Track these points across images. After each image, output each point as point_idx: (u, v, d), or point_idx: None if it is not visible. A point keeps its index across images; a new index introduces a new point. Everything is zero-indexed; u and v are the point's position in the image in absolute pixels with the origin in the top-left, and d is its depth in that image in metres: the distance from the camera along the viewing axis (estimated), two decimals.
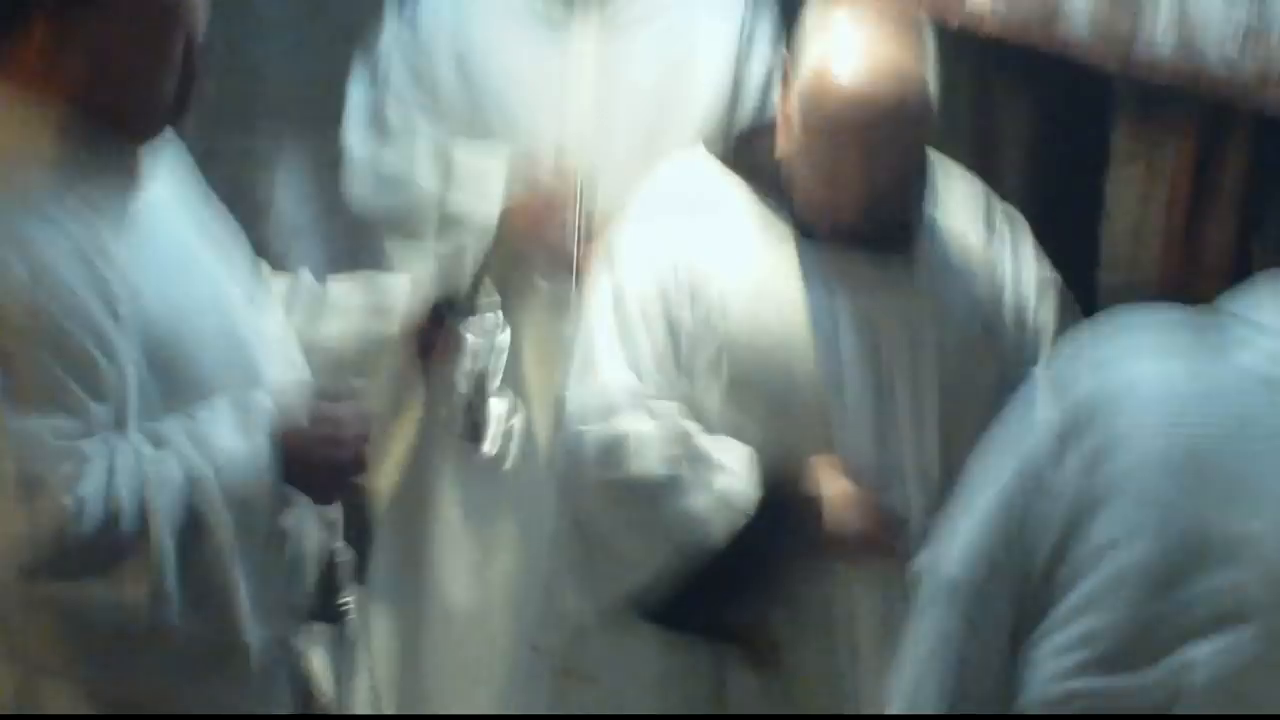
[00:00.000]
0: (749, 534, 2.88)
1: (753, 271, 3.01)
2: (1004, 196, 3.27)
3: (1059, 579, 2.07)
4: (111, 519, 2.18)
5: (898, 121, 2.88)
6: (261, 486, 2.31)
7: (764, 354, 2.99)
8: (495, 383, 2.84)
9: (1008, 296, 3.11)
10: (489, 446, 2.97)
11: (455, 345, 2.87)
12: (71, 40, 2.28)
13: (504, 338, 2.84)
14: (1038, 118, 3.68)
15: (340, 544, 2.53)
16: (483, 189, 3.55)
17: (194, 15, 2.36)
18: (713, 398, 3.00)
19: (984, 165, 3.46)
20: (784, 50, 3.09)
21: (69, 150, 2.29)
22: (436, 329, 2.86)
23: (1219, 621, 1.95)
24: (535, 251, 3.56)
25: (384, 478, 2.99)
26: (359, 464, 2.44)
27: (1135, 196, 3.41)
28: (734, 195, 3.07)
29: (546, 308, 3.55)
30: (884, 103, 2.86)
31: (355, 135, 3.70)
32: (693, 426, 2.90)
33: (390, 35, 3.72)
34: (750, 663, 2.99)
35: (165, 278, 2.35)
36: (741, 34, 3.69)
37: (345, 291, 2.84)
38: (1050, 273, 3.11)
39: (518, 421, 2.85)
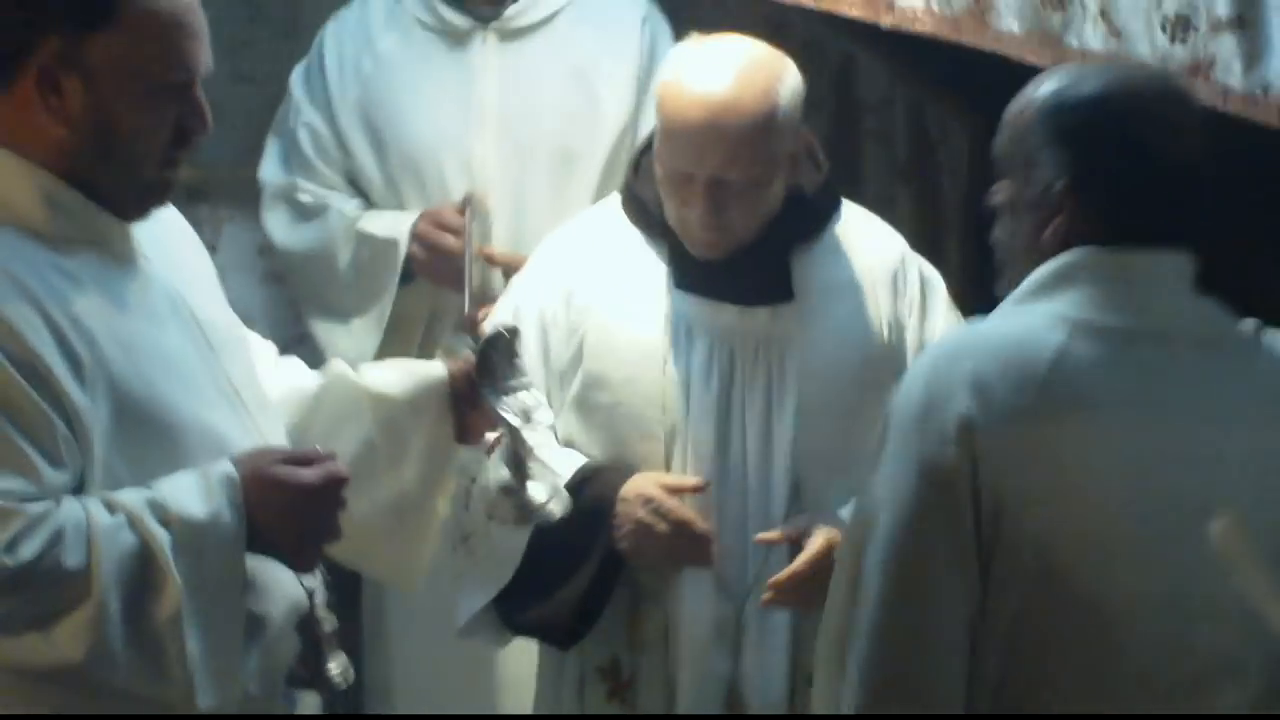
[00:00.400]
0: (552, 537, 2.92)
1: (623, 316, 3.07)
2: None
3: None
4: (52, 579, 2.18)
5: (739, 143, 2.91)
6: (221, 552, 2.28)
7: (615, 389, 3.05)
8: (535, 464, 2.74)
9: (905, 358, 3.10)
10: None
11: (492, 427, 2.77)
12: (64, 106, 2.29)
13: (544, 414, 2.77)
14: (975, 136, 3.71)
15: (322, 611, 2.50)
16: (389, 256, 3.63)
17: (191, 101, 2.36)
18: (565, 418, 3.07)
19: (922, 180, 3.45)
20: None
21: (50, 214, 2.30)
22: (472, 410, 2.77)
23: None
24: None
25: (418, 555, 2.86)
26: (333, 530, 2.40)
27: None
28: (626, 244, 3.13)
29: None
30: (726, 122, 2.90)
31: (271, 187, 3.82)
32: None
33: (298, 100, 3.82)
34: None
35: (140, 349, 2.34)
36: (642, 49, 3.76)
37: (381, 377, 2.79)
38: None
39: (557, 505, 2.73)
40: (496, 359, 2.67)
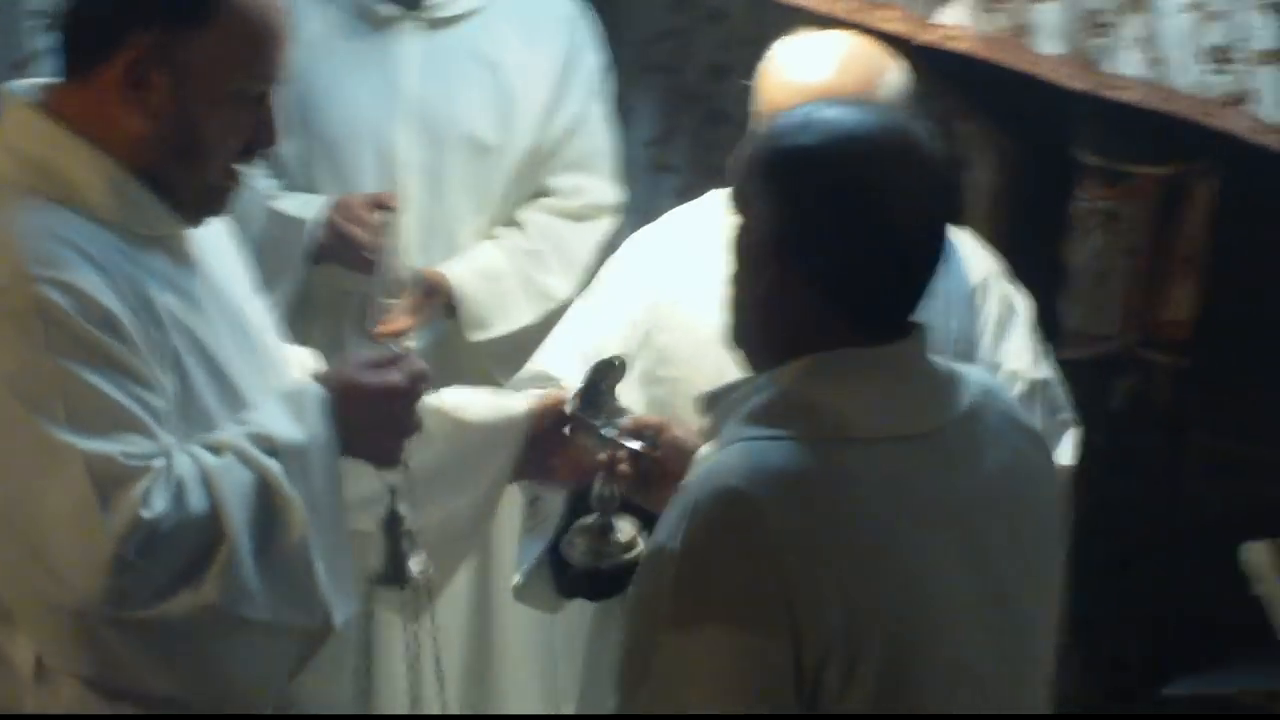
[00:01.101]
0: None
1: (695, 295, 3.01)
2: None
3: None
4: (187, 528, 2.19)
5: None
6: (324, 470, 2.32)
7: (680, 365, 3.03)
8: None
9: None
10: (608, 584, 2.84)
11: (587, 464, 2.71)
12: (148, 100, 2.28)
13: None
14: (1003, 176, 3.69)
15: (404, 506, 2.51)
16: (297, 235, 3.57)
17: (266, 111, 2.36)
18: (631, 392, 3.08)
19: None
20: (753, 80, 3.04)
21: (117, 204, 2.30)
22: (558, 445, 2.73)
23: None
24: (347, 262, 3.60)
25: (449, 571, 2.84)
26: (416, 424, 2.44)
27: (1096, 262, 3.52)
28: (710, 230, 2.96)
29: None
30: (821, 82, 2.81)
31: None
32: None
33: None
34: None
35: (197, 342, 2.35)
36: (563, 46, 3.70)
37: (463, 401, 2.75)
38: (1044, 373, 2.99)
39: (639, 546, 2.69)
40: (604, 388, 2.72)
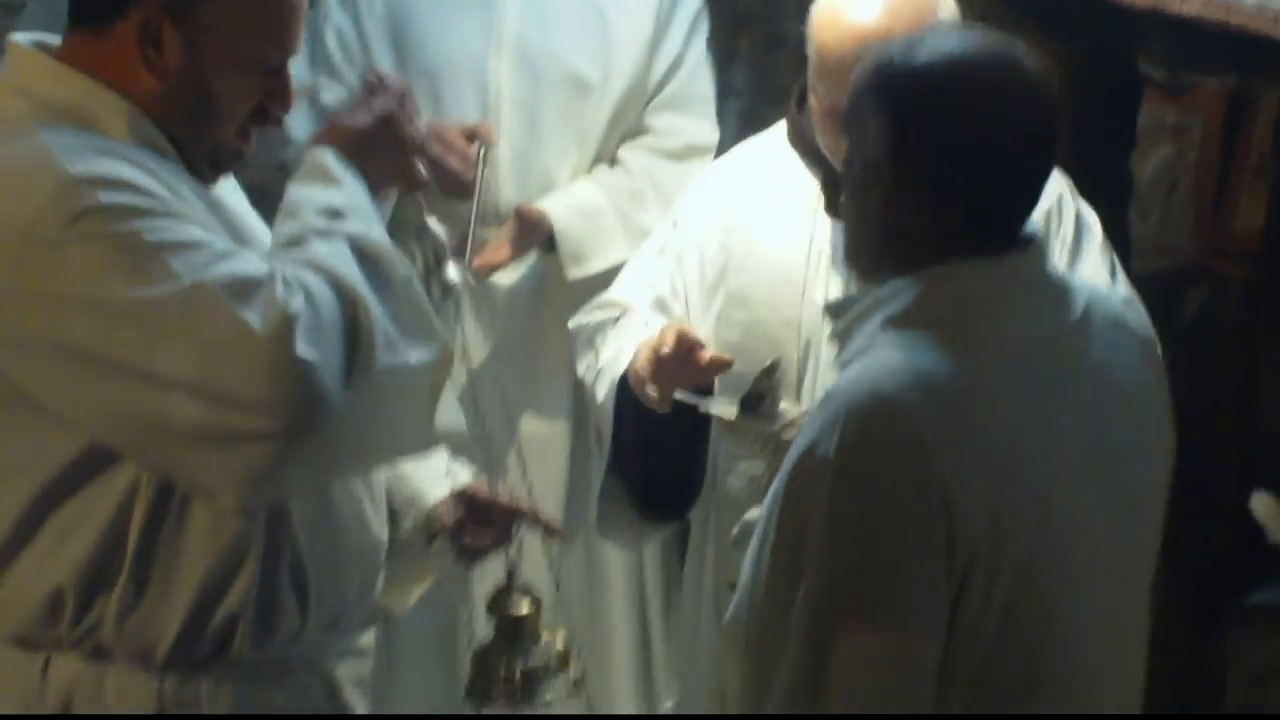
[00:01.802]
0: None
1: (770, 238, 3.07)
2: None
3: None
4: (327, 308, 2.18)
5: (854, 91, 2.78)
6: (373, 218, 2.34)
7: (754, 308, 3.05)
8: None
9: None
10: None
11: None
12: (161, 59, 2.27)
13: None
14: (1068, 91, 3.49)
15: (435, 225, 2.58)
16: None
17: (280, 79, 2.36)
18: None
19: None
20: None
21: (138, 139, 2.29)
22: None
23: None
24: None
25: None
26: (416, 136, 2.46)
27: (1164, 175, 3.50)
28: (784, 168, 3.09)
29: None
30: (870, 26, 2.81)
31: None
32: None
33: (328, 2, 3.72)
34: None
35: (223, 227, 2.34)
36: (658, 8, 3.67)
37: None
38: (1122, 292, 2.96)
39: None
40: (769, 388, 2.75)
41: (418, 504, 2.64)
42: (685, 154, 3.63)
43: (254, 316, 2.12)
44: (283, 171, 3.40)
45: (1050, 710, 2.15)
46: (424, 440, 2.36)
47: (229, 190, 2.46)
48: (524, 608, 2.58)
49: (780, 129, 3.09)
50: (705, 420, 2.89)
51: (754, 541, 2.24)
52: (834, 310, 2.27)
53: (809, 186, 3.00)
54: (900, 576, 2.07)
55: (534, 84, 3.59)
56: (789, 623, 2.11)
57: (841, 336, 2.23)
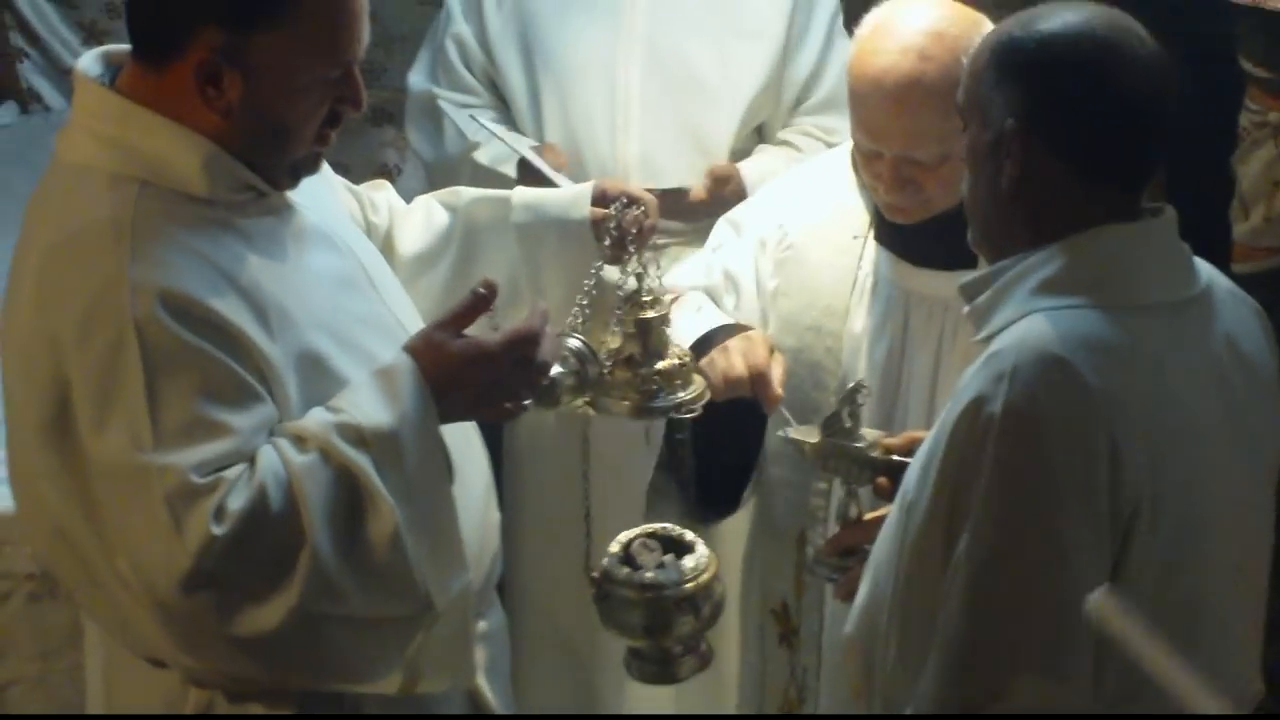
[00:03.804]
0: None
1: (819, 265, 3.01)
2: None
3: None
4: (266, 532, 2.20)
5: (924, 123, 2.73)
6: (421, 449, 2.29)
7: (800, 335, 3.00)
8: None
9: None
10: None
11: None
12: (221, 97, 2.26)
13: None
14: None
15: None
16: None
17: (348, 83, 2.33)
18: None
19: None
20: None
21: (209, 178, 2.28)
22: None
23: None
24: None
25: None
26: (531, 384, 2.40)
27: (1265, 175, 3.46)
28: (842, 189, 3.02)
29: None
30: (899, 79, 2.72)
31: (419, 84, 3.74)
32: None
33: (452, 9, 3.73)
34: None
35: (311, 292, 2.36)
36: (793, 12, 3.62)
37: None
38: None
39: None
40: (850, 412, 2.72)
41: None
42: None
43: (178, 525, 2.17)
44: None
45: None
46: (391, 679, 2.35)
47: (311, 185, 2.44)
48: (653, 310, 2.60)
49: (848, 147, 3.01)
50: (757, 419, 2.89)
51: (887, 530, 2.28)
52: (969, 289, 2.28)
53: (860, 209, 2.96)
54: (1067, 526, 2.10)
55: (663, 85, 3.57)
56: (947, 581, 2.15)
57: (982, 312, 2.26)
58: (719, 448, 2.97)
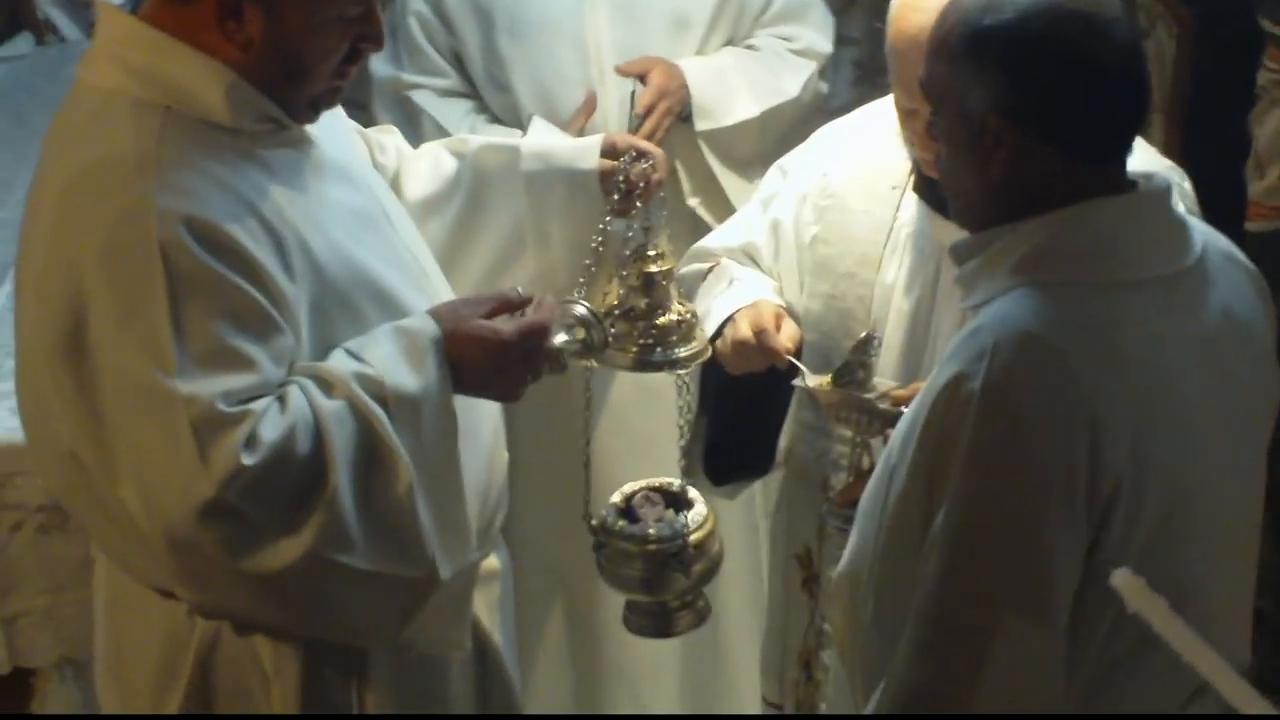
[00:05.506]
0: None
1: (856, 214, 3.01)
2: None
3: None
4: (292, 469, 2.21)
5: (940, 59, 2.65)
6: (438, 421, 2.31)
7: (835, 283, 3.00)
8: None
9: None
10: None
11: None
12: (242, 31, 2.26)
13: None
14: (1183, 45, 3.63)
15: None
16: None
17: (369, 20, 2.33)
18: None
19: None
20: None
21: (232, 106, 2.29)
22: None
23: None
24: None
25: None
26: (535, 373, 2.43)
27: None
28: (885, 140, 3.00)
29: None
30: (929, 34, 2.63)
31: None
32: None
33: None
34: None
35: (329, 225, 2.36)
36: None
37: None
38: None
39: None
40: (861, 363, 2.73)
41: None
42: (804, 54, 3.60)
43: (203, 453, 2.17)
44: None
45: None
46: (388, 638, 2.37)
47: (328, 121, 2.45)
48: (659, 264, 2.61)
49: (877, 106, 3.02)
50: (783, 387, 2.89)
51: (872, 486, 2.28)
52: (959, 252, 2.28)
53: (904, 164, 2.95)
54: (1043, 509, 2.10)
55: (634, 28, 3.52)
56: (921, 555, 2.15)
57: (969, 279, 2.26)
58: (747, 418, 3.00)
